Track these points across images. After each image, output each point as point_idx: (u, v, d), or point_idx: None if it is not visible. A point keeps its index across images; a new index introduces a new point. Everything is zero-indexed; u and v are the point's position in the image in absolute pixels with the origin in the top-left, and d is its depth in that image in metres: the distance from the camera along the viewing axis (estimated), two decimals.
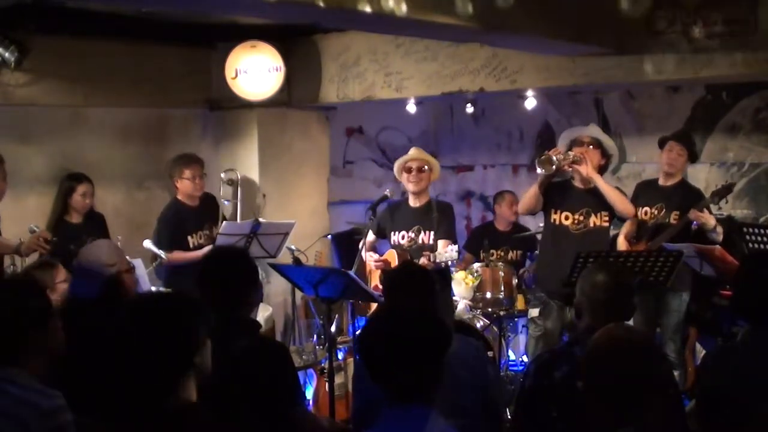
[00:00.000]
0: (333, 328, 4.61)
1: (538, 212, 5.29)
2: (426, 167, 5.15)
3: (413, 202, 5.20)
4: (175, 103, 6.56)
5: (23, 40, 5.40)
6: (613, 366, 2.31)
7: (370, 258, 5.27)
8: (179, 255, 5.58)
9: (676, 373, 5.02)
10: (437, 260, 4.78)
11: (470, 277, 5.76)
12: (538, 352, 5.11)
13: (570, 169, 5.04)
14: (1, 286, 2.86)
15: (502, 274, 5.80)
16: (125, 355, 2.19)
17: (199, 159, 5.91)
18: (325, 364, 4.73)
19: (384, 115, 7.65)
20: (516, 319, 6.38)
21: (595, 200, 5.00)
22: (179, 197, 5.79)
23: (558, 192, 5.12)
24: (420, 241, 5.09)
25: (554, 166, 4.89)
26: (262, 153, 6.66)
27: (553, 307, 5.11)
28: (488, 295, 5.76)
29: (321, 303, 4.50)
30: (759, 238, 4.57)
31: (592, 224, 5.03)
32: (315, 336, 6.09)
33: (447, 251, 4.79)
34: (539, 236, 6.33)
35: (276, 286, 6.49)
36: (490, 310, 5.76)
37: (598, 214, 5.02)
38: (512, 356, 6.40)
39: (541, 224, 6.29)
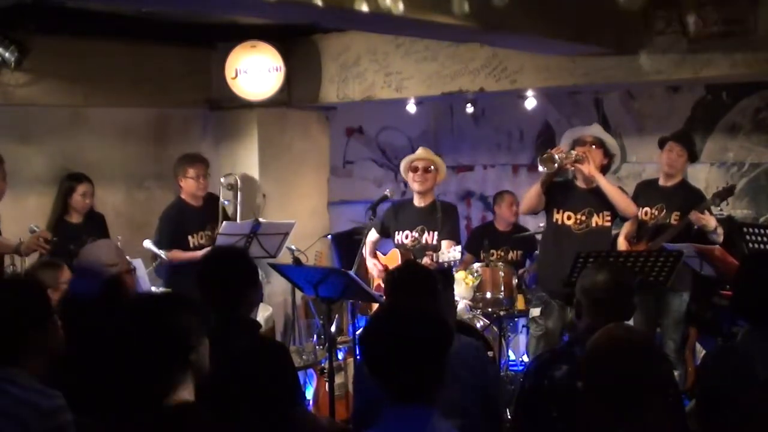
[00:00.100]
0: (333, 328, 4.61)
1: (540, 211, 5.28)
2: (432, 167, 5.15)
3: (418, 201, 5.21)
4: (175, 103, 6.56)
5: (23, 40, 5.39)
6: (613, 366, 2.31)
7: (373, 266, 5.29)
8: (179, 254, 5.58)
9: (676, 373, 5.02)
10: (440, 260, 4.78)
11: (470, 277, 5.76)
12: (539, 351, 5.11)
13: (572, 168, 5.04)
14: (1, 286, 2.85)
15: (502, 274, 5.80)
16: (120, 354, 2.20)
17: (204, 159, 5.94)
18: (325, 364, 4.73)
19: (384, 115, 7.65)
20: (516, 319, 6.38)
21: (598, 200, 4.99)
22: (183, 196, 5.81)
23: (560, 191, 5.11)
24: (424, 241, 5.09)
25: (556, 165, 4.88)
26: (262, 153, 6.66)
27: (554, 306, 5.11)
28: (488, 295, 5.76)
29: (321, 303, 4.50)
30: (759, 238, 4.57)
31: (594, 224, 5.03)
32: (315, 336, 6.09)
33: (450, 251, 4.79)
34: (539, 236, 6.35)
35: (276, 286, 6.49)
36: (490, 310, 5.76)
37: (601, 214, 5.02)
38: (512, 356, 6.40)
39: (541, 224, 6.30)
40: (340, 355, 5.67)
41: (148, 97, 6.31)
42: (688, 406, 3.85)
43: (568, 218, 5.06)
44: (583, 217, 5.03)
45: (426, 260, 4.78)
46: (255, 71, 6.31)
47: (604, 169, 5.09)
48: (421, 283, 3.27)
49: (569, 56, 5.18)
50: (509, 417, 4.58)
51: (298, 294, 5.87)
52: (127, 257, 3.59)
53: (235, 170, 6.56)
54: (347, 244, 6.73)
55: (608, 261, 4.16)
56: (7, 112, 5.74)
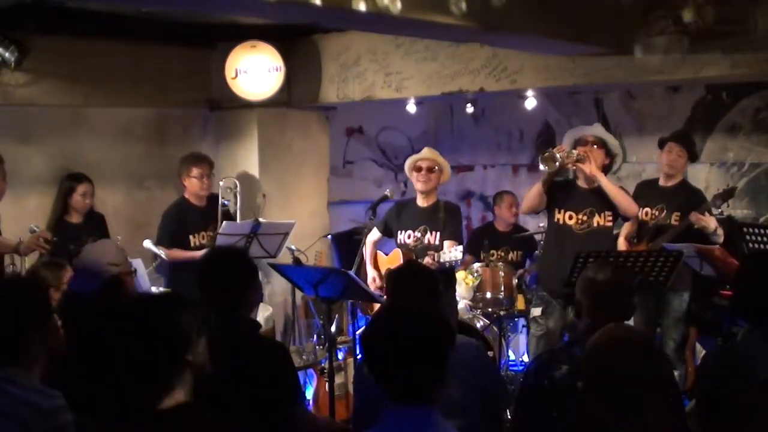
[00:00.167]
0: (333, 328, 4.61)
1: (541, 211, 5.28)
2: (436, 168, 5.16)
3: (421, 201, 5.21)
4: (175, 103, 6.56)
5: (23, 40, 5.39)
6: (613, 366, 2.31)
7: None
8: (178, 253, 5.61)
9: (676, 373, 5.02)
10: (441, 260, 4.79)
11: (470, 277, 5.77)
12: (539, 351, 5.11)
13: (573, 167, 5.03)
14: (1, 286, 2.85)
15: (502, 274, 5.80)
16: (118, 354, 2.20)
17: (208, 159, 5.96)
18: (325, 364, 4.73)
19: (384, 115, 7.65)
20: (516, 319, 6.38)
21: (599, 200, 4.98)
22: (186, 196, 5.83)
23: (562, 191, 5.10)
24: (426, 241, 5.09)
25: (557, 164, 4.87)
26: (262, 153, 6.66)
27: (555, 306, 5.11)
28: (488, 295, 5.76)
29: (321, 303, 4.50)
30: (759, 238, 4.56)
31: (595, 224, 5.02)
32: (315, 336, 6.09)
33: (451, 251, 4.79)
34: (538, 237, 6.36)
35: (276, 286, 6.49)
36: (490, 310, 5.76)
37: (602, 214, 5.01)
38: (512, 356, 6.40)
39: (541, 224, 6.31)
40: (340, 355, 5.67)
41: (148, 97, 6.31)
42: (688, 406, 3.85)
43: (570, 218, 5.05)
44: (585, 217, 5.02)
45: (427, 260, 4.79)
46: (255, 71, 6.31)
47: (605, 169, 5.08)
48: (423, 283, 3.27)
49: (569, 56, 5.18)
50: (509, 417, 4.58)
51: (298, 294, 5.87)
52: (129, 259, 3.59)
53: (235, 170, 6.57)
54: (347, 244, 6.73)
55: (608, 261, 4.15)
56: (7, 112, 5.74)
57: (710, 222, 4.97)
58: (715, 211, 5.16)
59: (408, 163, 5.26)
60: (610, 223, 5.04)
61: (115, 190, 6.40)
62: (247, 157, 6.67)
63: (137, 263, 4.23)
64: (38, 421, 2.35)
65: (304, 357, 5.31)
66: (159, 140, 6.67)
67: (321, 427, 3.44)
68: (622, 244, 5.26)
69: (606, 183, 4.94)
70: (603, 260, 4.04)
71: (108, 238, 5.60)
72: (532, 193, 5.11)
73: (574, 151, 4.96)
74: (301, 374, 5.04)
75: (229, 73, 6.31)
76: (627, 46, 4.88)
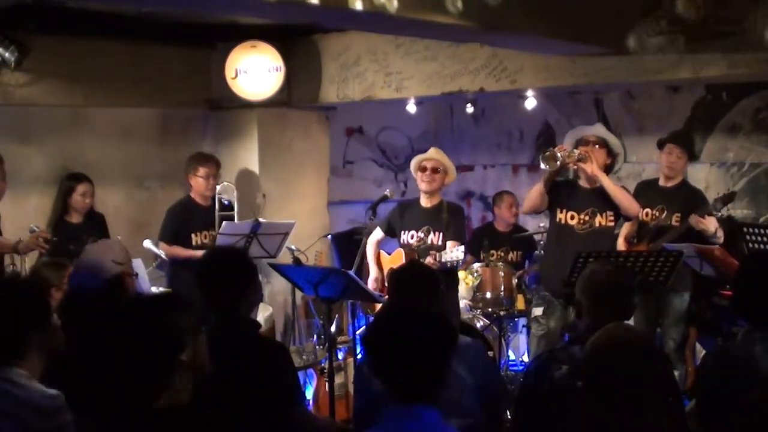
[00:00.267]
0: (333, 328, 4.61)
1: (542, 211, 5.27)
2: (441, 169, 5.16)
3: (424, 202, 5.21)
4: (175, 103, 6.56)
5: (23, 40, 5.39)
6: (613, 366, 2.31)
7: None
8: (178, 251, 5.64)
9: (676, 373, 5.02)
10: (443, 260, 4.78)
11: (470, 277, 5.76)
12: (540, 351, 5.10)
13: (575, 167, 5.02)
14: (1, 286, 2.86)
15: (502, 274, 5.80)
16: (116, 354, 2.20)
17: (216, 159, 6.00)
18: (325, 364, 4.73)
19: (384, 115, 7.64)
20: (516, 319, 6.38)
21: (601, 200, 4.97)
22: (192, 194, 5.88)
23: (564, 191, 5.10)
24: (429, 242, 5.09)
25: (558, 163, 4.86)
26: (262, 153, 6.66)
27: (557, 306, 5.10)
28: (488, 295, 5.76)
29: (321, 303, 4.50)
30: (759, 238, 4.57)
31: (597, 224, 5.01)
32: (315, 336, 6.09)
33: (453, 252, 4.79)
34: (538, 237, 6.36)
35: (276, 286, 6.49)
36: (490, 310, 5.76)
37: (604, 214, 5.00)
38: (512, 356, 6.40)
39: (541, 225, 6.31)
40: (340, 355, 5.67)
41: (148, 97, 6.31)
42: (688, 406, 3.85)
43: (572, 218, 5.05)
44: (587, 217, 5.02)
45: (429, 260, 4.79)
46: (255, 71, 6.31)
47: (607, 169, 5.07)
48: (425, 283, 3.27)
49: (569, 56, 5.18)
50: (509, 417, 4.58)
51: (298, 294, 5.87)
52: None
53: (235, 170, 6.57)
54: (347, 244, 6.74)
55: (608, 261, 4.15)
56: (7, 112, 5.75)
57: (709, 225, 4.97)
58: (714, 213, 5.16)
59: (413, 163, 5.26)
60: (611, 223, 5.04)
61: (115, 190, 6.40)
62: (247, 157, 6.67)
63: (137, 263, 4.23)
64: (38, 421, 2.35)
65: (304, 357, 5.31)
66: (159, 140, 6.67)
67: (321, 427, 3.44)
68: (621, 245, 5.26)
69: (607, 183, 4.93)
70: (603, 260, 4.03)
71: (108, 238, 5.61)
72: (533, 193, 5.10)
73: (575, 150, 4.96)
74: (301, 374, 5.04)
75: (229, 73, 6.31)
76: (627, 46, 4.87)
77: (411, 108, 6.65)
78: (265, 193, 6.66)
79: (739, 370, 2.88)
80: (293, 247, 5.63)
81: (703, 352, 5.51)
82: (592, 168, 4.91)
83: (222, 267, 3.20)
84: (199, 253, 5.42)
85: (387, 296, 4.72)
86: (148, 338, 2.19)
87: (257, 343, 3.16)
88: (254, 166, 6.66)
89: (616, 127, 6.80)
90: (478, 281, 5.75)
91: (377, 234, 5.39)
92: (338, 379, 5.20)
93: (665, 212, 5.24)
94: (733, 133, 6.34)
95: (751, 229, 4.66)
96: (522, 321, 6.37)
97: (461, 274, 5.78)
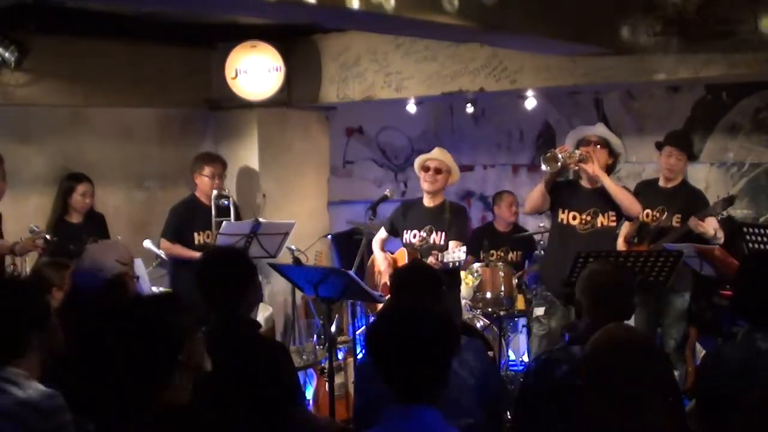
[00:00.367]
0: (333, 328, 4.61)
1: (544, 211, 5.27)
2: (444, 169, 5.16)
3: (427, 201, 5.22)
4: (175, 103, 6.56)
5: (23, 40, 5.40)
6: (613, 366, 2.31)
7: (383, 259, 5.28)
8: (178, 250, 5.66)
9: (676, 373, 5.02)
10: (444, 260, 4.78)
11: (470, 277, 5.76)
12: (541, 351, 5.10)
13: (576, 167, 5.02)
14: (1, 286, 2.86)
15: (502, 274, 5.79)
16: (115, 354, 2.21)
17: (222, 159, 6.02)
18: (325, 364, 4.73)
19: (384, 115, 7.64)
20: (516, 319, 6.38)
21: (603, 200, 4.96)
22: (196, 194, 5.90)
23: (565, 191, 5.09)
24: (431, 241, 5.09)
25: (559, 164, 4.85)
26: (262, 153, 6.66)
27: (558, 306, 5.10)
28: (488, 295, 5.75)
29: (321, 303, 4.50)
30: (759, 238, 4.57)
31: (599, 224, 5.00)
32: (315, 336, 6.09)
33: (455, 252, 4.79)
34: (538, 237, 6.36)
35: (276, 286, 6.49)
36: (490, 310, 5.76)
37: (606, 214, 4.99)
38: (512, 356, 6.40)
39: (541, 224, 6.31)
40: (340, 355, 5.67)
41: (148, 97, 6.31)
42: (688, 406, 3.85)
43: (573, 218, 5.04)
44: (588, 218, 5.01)
45: (431, 260, 4.79)
46: (255, 71, 6.31)
47: (609, 169, 5.07)
48: (427, 283, 3.27)
49: (569, 56, 5.18)
50: (509, 417, 4.58)
51: (298, 294, 5.87)
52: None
53: (235, 170, 6.57)
54: (347, 244, 6.74)
55: (608, 261, 4.15)
56: (7, 112, 5.74)
57: (709, 228, 4.97)
58: (714, 215, 5.16)
59: (417, 162, 5.26)
60: (613, 224, 5.03)
61: (115, 190, 6.40)
62: (247, 157, 6.68)
63: (138, 263, 4.22)
64: (38, 421, 2.35)
65: (304, 357, 5.31)
66: (159, 140, 6.67)
67: (321, 427, 3.44)
68: (621, 245, 5.25)
69: (609, 183, 4.92)
70: (603, 260, 4.04)
71: (108, 239, 5.62)
72: (534, 193, 5.10)
73: (576, 151, 4.95)
74: (301, 374, 5.04)
75: (229, 73, 6.31)
76: (627, 46, 4.87)
77: (411, 108, 6.65)
78: (265, 193, 6.66)
79: (739, 370, 2.88)
80: (293, 247, 5.63)
81: (703, 352, 5.51)
82: (594, 168, 4.90)
83: (222, 267, 3.21)
84: (198, 254, 5.43)
85: (389, 296, 4.73)
86: (147, 338, 2.19)
87: (257, 343, 3.16)
88: (254, 166, 6.66)
89: (616, 127, 6.80)
90: (478, 281, 5.75)
91: (381, 234, 5.41)
92: (338, 379, 5.20)
93: (665, 213, 5.24)
94: (733, 133, 6.34)
95: (751, 229, 4.66)
96: (522, 321, 6.37)
97: (462, 274, 5.78)
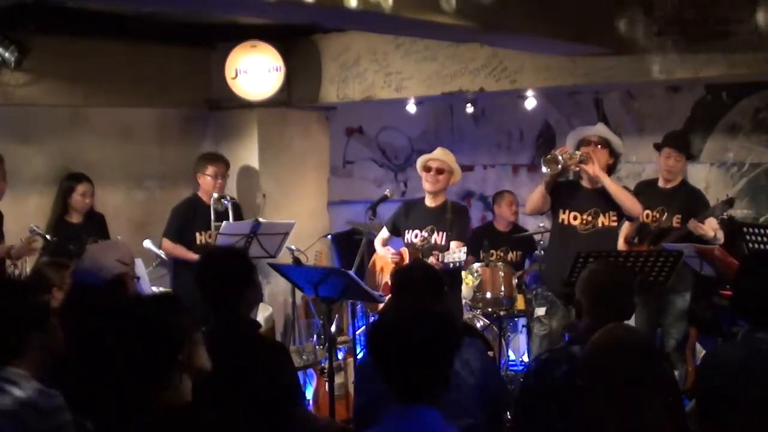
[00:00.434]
0: (333, 328, 4.61)
1: (545, 212, 5.26)
2: (446, 169, 5.16)
3: (429, 201, 5.22)
4: (175, 103, 6.57)
5: (23, 40, 5.40)
6: (613, 366, 2.31)
7: (386, 252, 5.27)
8: (178, 251, 5.66)
9: (676, 373, 5.02)
10: (445, 260, 4.78)
11: (470, 277, 5.76)
12: (541, 351, 5.10)
13: (576, 168, 5.00)
14: (1, 286, 2.86)
15: (502, 274, 5.79)
16: (114, 354, 2.21)
17: (225, 159, 6.04)
18: (325, 364, 4.73)
19: (384, 115, 7.64)
20: (516, 319, 6.38)
21: (604, 200, 4.95)
22: (199, 193, 5.92)
23: (566, 192, 5.09)
24: (433, 241, 5.09)
25: (560, 166, 4.83)
26: (262, 153, 6.66)
27: (559, 306, 5.10)
28: (488, 295, 5.75)
29: (321, 303, 4.50)
30: (759, 238, 4.56)
31: (600, 224, 4.99)
32: (315, 336, 6.09)
33: (455, 252, 4.79)
34: (538, 237, 6.35)
35: (276, 286, 6.49)
36: (490, 310, 5.76)
37: (607, 214, 4.98)
38: (512, 356, 6.40)
39: (541, 225, 6.31)
40: (340, 355, 5.67)
41: (148, 97, 6.31)
42: (688, 406, 3.85)
43: (574, 218, 5.03)
44: (589, 218, 4.99)
45: (432, 260, 4.79)
46: (255, 71, 6.31)
47: (609, 169, 5.06)
48: (428, 283, 3.27)
49: (569, 56, 5.18)
50: (509, 417, 4.58)
51: (298, 294, 5.87)
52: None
53: (235, 170, 6.57)
54: (347, 244, 6.74)
55: (608, 261, 4.15)
56: (7, 112, 5.75)
57: (708, 230, 4.96)
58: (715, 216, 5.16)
59: (419, 162, 5.26)
60: (614, 224, 5.02)
61: (115, 190, 6.40)
62: (247, 157, 6.68)
63: (138, 263, 4.23)
64: (38, 421, 2.35)
65: (304, 357, 5.31)
66: (159, 140, 6.68)
67: (321, 427, 3.44)
68: (621, 245, 5.25)
69: (609, 184, 4.91)
70: (603, 260, 4.04)
71: (108, 239, 5.63)
72: (535, 195, 5.09)
73: (577, 152, 4.94)
74: (301, 374, 5.04)
75: (229, 73, 6.31)
76: (627, 46, 4.88)
77: (411, 108, 6.65)
78: (265, 193, 6.66)
79: (739, 370, 2.88)
80: (293, 247, 5.63)
81: (703, 352, 5.51)
82: (594, 169, 4.88)
83: (220, 267, 3.21)
84: (197, 256, 5.43)
85: (389, 296, 4.72)
86: (147, 338, 2.19)
87: (257, 343, 3.16)
88: (254, 166, 6.66)
89: (616, 127, 6.80)
90: (478, 281, 5.75)
91: (383, 234, 5.42)
92: (338, 379, 5.20)
93: (665, 214, 5.24)
94: (733, 133, 6.34)
95: (751, 229, 4.66)
96: (522, 321, 6.37)
97: (462, 273, 5.78)
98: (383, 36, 5.94)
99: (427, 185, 5.18)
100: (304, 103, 6.67)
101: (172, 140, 6.71)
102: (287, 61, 6.34)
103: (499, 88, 5.62)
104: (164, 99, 6.44)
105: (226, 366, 2.63)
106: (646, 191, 5.38)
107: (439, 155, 5.19)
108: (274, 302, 6.40)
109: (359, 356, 5.32)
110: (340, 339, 5.71)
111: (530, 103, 6.23)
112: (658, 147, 5.37)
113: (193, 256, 5.51)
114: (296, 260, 5.13)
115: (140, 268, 4.30)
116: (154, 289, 5.10)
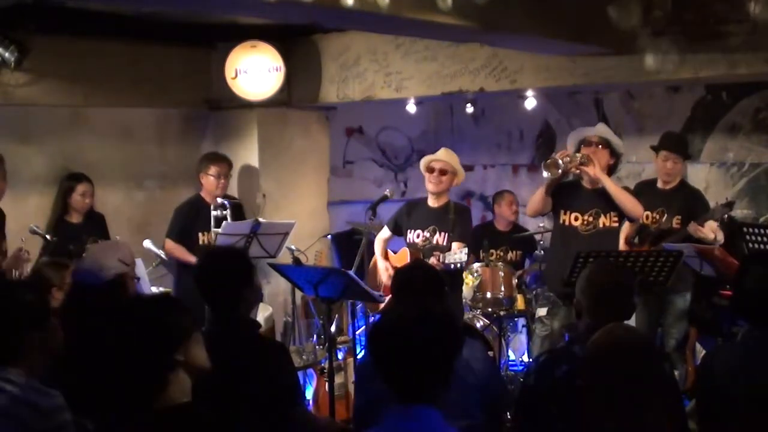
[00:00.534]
0: (333, 328, 4.61)
1: (547, 213, 5.26)
2: (449, 171, 5.15)
3: (432, 202, 5.22)
4: (175, 103, 6.56)
5: (23, 40, 5.39)
6: (613, 366, 2.31)
7: (384, 270, 5.28)
8: (178, 252, 5.66)
9: (676, 373, 5.02)
10: (446, 261, 4.78)
11: (470, 277, 5.76)
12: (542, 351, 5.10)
13: (577, 171, 4.98)
14: (1, 286, 2.86)
15: (502, 274, 5.79)
16: (110, 354, 2.21)
17: (228, 159, 6.04)
18: (325, 364, 4.73)
19: (384, 115, 7.65)
20: (516, 319, 6.38)
21: (605, 201, 4.93)
22: (202, 194, 5.92)
23: (567, 193, 5.07)
24: (435, 242, 5.09)
25: (560, 170, 4.83)
26: (262, 153, 6.66)
27: (561, 307, 5.09)
28: (488, 295, 5.75)
29: (321, 303, 4.50)
30: (759, 238, 4.56)
31: (601, 225, 4.97)
32: (315, 336, 6.09)
33: (456, 253, 4.78)
34: (538, 237, 6.35)
35: (276, 286, 6.49)
36: (490, 310, 5.76)
37: (608, 215, 4.96)
38: (512, 356, 6.40)
39: (541, 224, 6.31)
40: (340, 355, 5.67)
41: (148, 97, 6.31)
42: (688, 406, 3.85)
43: (576, 219, 5.02)
44: (591, 218, 4.98)
45: (433, 260, 4.79)
46: (255, 71, 6.31)
47: (611, 169, 5.04)
48: (428, 283, 3.26)
49: (569, 56, 5.18)
50: (509, 417, 4.58)
51: (298, 294, 5.87)
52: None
53: (236, 170, 6.57)
54: (347, 244, 6.74)
55: (608, 261, 4.15)
56: (7, 112, 5.75)
57: (708, 232, 4.96)
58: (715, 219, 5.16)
59: (422, 162, 5.26)
60: (615, 224, 4.99)
61: (115, 190, 6.40)
62: (247, 157, 6.68)
63: (138, 263, 4.23)
64: (38, 421, 2.35)
65: (304, 357, 5.31)
66: (159, 140, 6.68)
67: (321, 427, 3.44)
68: (622, 246, 5.24)
69: (610, 185, 4.88)
70: (603, 260, 4.04)
71: (107, 239, 5.63)
72: (536, 197, 5.07)
73: (577, 154, 4.93)
74: (301, 374, 5.04)
75: (229, 73, 6.31)
76: (627, 46, 4.87)
77: (411, 108, 6.65)
78: (265, 193, 6.66)
79: (739, 370, 2.88)
80: (293, 247, 5.63)
81: (703, 352, 5.51)
82: (595, 171, 4.86)
83: (219, 267, 3.20)
84: (195, 259, 5.44)
85: (389, 296, 4.72)
86: (147, 338, 2.19)
87: (257, 343, 3.16)
88: (254, 166, 6.66)
89: (616, 127, 6.79)
90: (478, 281, 5.74)
91: (385, 233, 5.41)
92: (338, 379, 5.20)
93: (665, 215, 5.24)
94: (733, 133, 6.35)
95: (751, 229, 4.66)
96: (522, 321, 6.37)
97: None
98: (383, 36, 5.94)
99: (430, 186, 5.17)
100: (304, 103, 6.67)
101: (172, 140, 6.71)
102: (287, 61, 6.34)
103: (499, 88, 5.62)
104: (164, 99, 6.44)
105: (226, 366, 2.63)
106: (645, 192, 5.37)
107: (443, 156, 5.19)
108: (274, 302, 6.40)
109: (359, 356, 5.31)
110: (340, 339, 5.71)
111: (530, 103, 6.23)
112: (655, 149, 5.37)
113: (192, 259, 5.51)
114: (296, 260, 5.13)
115: (140, 268, 4.30)
116: (154, 289, 5.10)
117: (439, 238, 5.09)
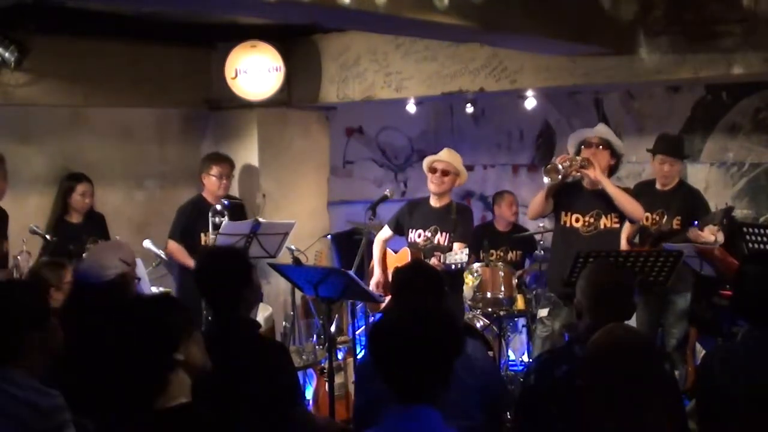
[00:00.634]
0: (333, 328, 4.61)
1: (548, 214, 5.25)
2: (451, 171, 5.15)
3: (434, 202, 5.22)
4: (175, 103, 6.56)
5: (23, 40, 5.39)
6: (613, 366, 2.31)
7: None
8: (178, 254, 5.66)
9: (676, 373, 5.02)
10: (447, 261, 4.78)
11: (470, 277, 5.76)
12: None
13: (578, 174, 4.97)
14: (1, 286, 2.86)
15: (502, 274, 5.79)
16: (110, 354, 2.21)
17: (230, 160, 6.05)
18: (325, 364, 4.73)
19: (384, 115, 7.65)
20: (516, 319, 6.38)
21: (605, 202, 4.91)
22: (204, 194, 5.92)
23: (568, 194, 5.05)
24: (436, 242, 5.09)
25: (560, 175, 4.81)
26: (262, 153, 6.66)
27: (562, 308, 5.08)
28: (488, 295, 5.75)
29: (321, 303, 4.50)
30: (759, 238, 4.56)
31: (602, 226, 4.96)
32: (315, 336, 6.09)
33: (457, 254, 4.78)
34: (538, 237, 6.35)
35: (276, 286, 6.49)
36: (490, 310, 5.76)
37: (609, 216, 4.95)
38: (512, 356, 6.40)
39: (541, 224, 6.30)
40: (340, 355, 5.67)
41: (148, 97, 6.31)
42: (688, 406, 3.85)
43: (576, 220, 5.01)
44: (592, 219, 4.96)
45: (433, 261, 4.79)
46: (255, 71, 6.31)
47: (611, 170, 5.03)
48: (428, 283, 3.27)
49: (569, 56, 5.18)
50: (509, 417, 4.58)
51: (298, 294, 5.87)
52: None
53: (236, 170, 6.57)
54: (347, 244, 6.73)
55: (608, 261, 4.15)
56: (7, 112, 5.74)
57: (709, 236, 4.95)
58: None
59: (425, 163, 5.26)
60: (617, 225, 4.98)
61: (115, 190, 6.40)
62: (247, 157, 6.68)
63: (138, 263, 4.23)
64: (38, 421, 2.35)
65: (304, 357, 5.31)
66: (159, 140, 6.68)
67: (321, 427, 3.44)
68: (624, 246, 5.24)
69: (611, 188, 4.85)
70: (603, 260, 4.04)
71: (107, 239, 5.63)
72: (537, 200, 5.06)
73: (577, 157, 4.92)
74: (301, 374, 5.04)
75: (229, 73, 6.31)
76: (627, 46, 4.87)
77: (411, 108, 6.65)
78: (265, 193, 6.66)
79: (738, 370, 2.88)
80: (293, 247, 5.63)
81: (703, 352, 5.51)
82: (596, 174, 4.83)
83: (218, 267, 3.21)
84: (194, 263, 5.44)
85: (389, 296, 4.72)
86: (147, 338, 2.19)
87: (257, 343, 3.16)
88: (254, 166, 6.66)
89: (616, 127, 6.79)
90: (478, 281, 5.74)
91: (385, 233, 5.41)
92: (338, 379, 5.20)
93: (665, 216, 5.24)
94: (733, 133, 6.35)
95: (751, 229, 4.66)
96: (522, 321, 6.37)
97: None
98: (383, 36, 5.94)
99: (432, 186, 5.17)
100: (304, 103, 6.67)
101: (172, 140, 6.71)
102: (287, 61, 6.34)
103: (499, 88, 5.62)
104: (164, 99, 6.43)
105: (226, 366, 2.63)
106: (644, 193, 5.35)
107: (446, 157, 5.18)
108: (274, 302, 6.40)
109: (359, 356, 5.31)
110: (340, 339, 5.70)
111: (530, 103, 6.23)
112: (651, 152, 5.36)
113: (192, 264, 5.51)
114: (296, 260, 5.13)
115: (140, 268, 4.30)
116: (154, 289, 5.10)
117: (441, 238, 5.10)
